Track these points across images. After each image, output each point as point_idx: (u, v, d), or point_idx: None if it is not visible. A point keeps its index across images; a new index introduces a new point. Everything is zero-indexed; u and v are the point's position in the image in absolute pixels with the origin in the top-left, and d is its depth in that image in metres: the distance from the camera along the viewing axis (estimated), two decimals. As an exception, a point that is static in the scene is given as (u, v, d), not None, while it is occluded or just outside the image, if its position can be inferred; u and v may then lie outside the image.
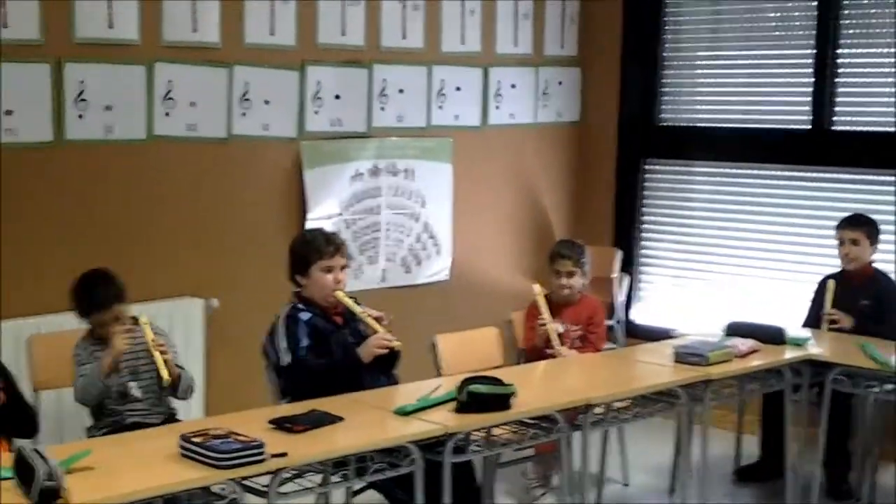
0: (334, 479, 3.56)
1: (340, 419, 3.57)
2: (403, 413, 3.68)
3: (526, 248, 6.71)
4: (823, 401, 4.82)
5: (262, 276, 5.34)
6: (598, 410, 4.11)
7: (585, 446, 4.12)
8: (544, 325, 4.82)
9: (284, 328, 4.13)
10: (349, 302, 4.21)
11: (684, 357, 4.53)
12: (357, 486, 3.97)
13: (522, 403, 3.82)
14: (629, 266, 6.82)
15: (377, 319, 4.16)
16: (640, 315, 6.90)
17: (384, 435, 3.56)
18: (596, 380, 4.42)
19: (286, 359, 4.09)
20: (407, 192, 6.14)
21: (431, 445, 3.57)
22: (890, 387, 4.62)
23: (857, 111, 6.08)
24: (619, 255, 6.66)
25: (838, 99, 6.10)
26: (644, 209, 6.94)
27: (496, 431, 3.87)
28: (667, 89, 6.81)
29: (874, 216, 5.48)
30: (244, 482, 3.18)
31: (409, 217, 6.17)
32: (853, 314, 5.27)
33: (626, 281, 6.73)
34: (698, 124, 6.72)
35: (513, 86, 6.60)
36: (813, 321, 5.43)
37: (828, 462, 5.12)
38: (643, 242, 6.96)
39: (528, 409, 3.85)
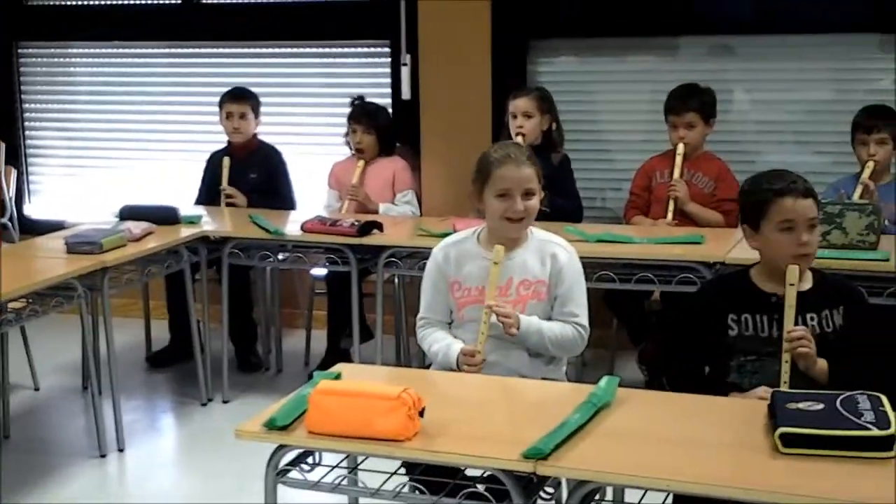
0: None
1: None
2: None
3: None
4: (222, 276, 4.88)
5: None
6: (-11, 315, 3.83)
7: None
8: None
9: None
10: None
11: (76, 247, 4.35)
12: None
13: None
14: (16, 159, 6.38)
15: None
16: (35, 209, 6.54)
17: None
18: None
19: None
20: None
21: None
22: (283, 256, 4.81)
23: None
24: (1, 148, 6.18)
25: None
26: (24, 97, 6.49)
27: None
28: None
29: (255, 89, 5.56)
30: None
31: None
32: (244, 188, 5.37)
33: (14, 175, 6.29)
34: (69, 2, 6.33)
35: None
36: (205, 198, 5.46)
37: (234, 336, 5.25)
38: (28, 133, 6.53)
39: None
